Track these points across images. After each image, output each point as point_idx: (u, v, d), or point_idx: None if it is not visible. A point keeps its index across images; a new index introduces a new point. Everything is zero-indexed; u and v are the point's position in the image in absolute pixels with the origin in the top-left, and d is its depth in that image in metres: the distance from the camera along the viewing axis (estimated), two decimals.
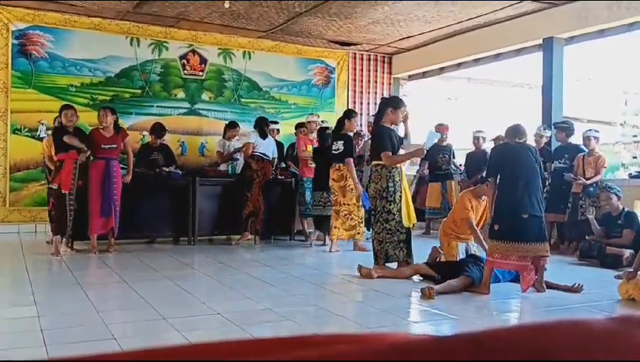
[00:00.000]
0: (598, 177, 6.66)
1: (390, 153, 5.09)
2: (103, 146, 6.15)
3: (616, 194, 6.07)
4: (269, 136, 7.35)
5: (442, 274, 4.71)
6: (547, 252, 4.41)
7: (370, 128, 7.33)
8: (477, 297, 4.32)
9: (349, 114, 6.84)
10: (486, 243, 4.75)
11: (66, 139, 5.99)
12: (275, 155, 7.42)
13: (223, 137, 8.02)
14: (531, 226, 4.34)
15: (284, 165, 8.15)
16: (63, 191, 5.97)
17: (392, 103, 5.36)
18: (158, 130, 7.48)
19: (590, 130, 6.99)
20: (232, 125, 8.09)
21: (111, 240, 6.30)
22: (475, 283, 4.47)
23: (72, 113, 6.16)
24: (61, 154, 6.03)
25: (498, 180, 4.53)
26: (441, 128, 8.26)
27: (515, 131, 4.68)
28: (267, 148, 7.17)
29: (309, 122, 7.77)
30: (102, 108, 6.45)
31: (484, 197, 5.10)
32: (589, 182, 6.60)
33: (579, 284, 4.56)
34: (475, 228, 5.03)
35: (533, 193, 4.41)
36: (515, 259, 4.33)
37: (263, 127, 7.23)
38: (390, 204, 5.09)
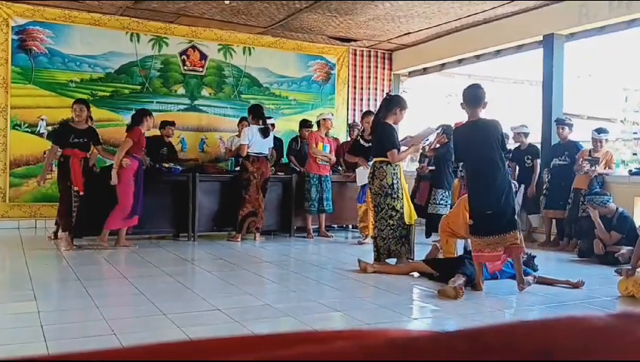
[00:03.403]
0: (610, 172, 6.69)
1: (396, 151, 5.18)
2: (143, 148, 6.32)
3: (604, 205, 5.89)
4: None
5: (440, 271, 4.71)
6: (517, 240, 4.28)
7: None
8: (476, 293, 4.33)
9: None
10: None
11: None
12: (271, 146, 7.31)
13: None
14: (497, 219, 4.28)
15: (285, 160, 8.14)
16: (79, 191, 5.98)
17: (401, 104, 5.41)
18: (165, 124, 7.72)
19: (602, 131, 6.83)
20: (240, 120, 8.31)
21: (122, 235, 6.33)
22: (472, 280, 4.47)
23: (80, 108, 6.09)
24: (67, 150, 6.02)
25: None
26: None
27: (474, 97, 4.44)
28: (263, 146, 7.06)
29: (324, 120, 7.57)
30: (150, 113, 6.48)
31: None
32: (597, 172, 6.53)
33: (580, 280, 4.57)
34: None
35: (492, 187, 4.24)
36: (487, 251, 4.33)
37: (262, 118, 7.12)
38: (394, 201, 5.17)
